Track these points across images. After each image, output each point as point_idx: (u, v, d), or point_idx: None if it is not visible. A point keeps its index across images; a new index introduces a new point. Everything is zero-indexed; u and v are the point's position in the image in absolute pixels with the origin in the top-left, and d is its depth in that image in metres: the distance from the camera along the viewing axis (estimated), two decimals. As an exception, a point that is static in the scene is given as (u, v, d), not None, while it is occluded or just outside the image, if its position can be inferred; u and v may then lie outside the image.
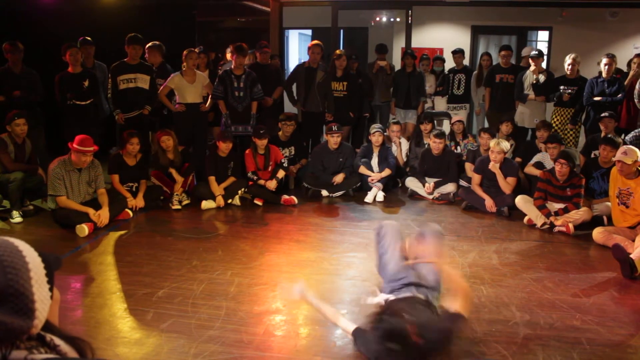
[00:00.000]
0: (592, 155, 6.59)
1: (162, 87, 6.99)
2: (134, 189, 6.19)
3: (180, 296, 3.97)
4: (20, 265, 1.12)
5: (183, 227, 5.76)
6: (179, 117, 7.03)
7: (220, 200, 6.29)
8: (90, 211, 5.45)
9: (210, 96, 7.11)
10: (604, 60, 7.33)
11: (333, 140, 6.91)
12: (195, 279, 4.29)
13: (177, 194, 6.31)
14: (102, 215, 5.50)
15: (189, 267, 4.54)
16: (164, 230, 5.61)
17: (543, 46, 10.73)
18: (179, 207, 6.25)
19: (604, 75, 7.33)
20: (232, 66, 7.09)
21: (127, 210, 5.90)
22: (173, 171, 6.39)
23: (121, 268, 4.55)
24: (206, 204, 6.27)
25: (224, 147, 6.47)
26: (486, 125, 8.47)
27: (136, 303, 3.86)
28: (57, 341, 1.18)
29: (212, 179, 6.40)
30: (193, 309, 3.77)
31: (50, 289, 1.18)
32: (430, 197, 6.79)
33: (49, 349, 1.15)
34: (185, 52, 6.96)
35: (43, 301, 1.14)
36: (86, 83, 6.73)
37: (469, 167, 6.99)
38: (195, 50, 7.27)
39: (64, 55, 6.67)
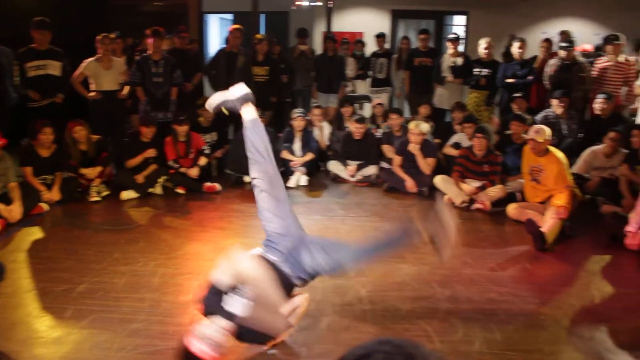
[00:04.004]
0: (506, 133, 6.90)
1: (76, 74, 6.70)
2: (48, 182, 5.92)
3: (102, 290, 3.86)
4: None
5: (102, 219, 5.58)
6: (94, 105, 6.77)
7: (140, 178, 6.15)
8: (0, 207, 5.18)
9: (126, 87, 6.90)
10: (516, 44, 7.66)
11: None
12: (117, 272, 4.18)
13: (95, 185, 6.09)
14: (14, 211, 5.23)
15: (109, 260, 4.41)
16: (83, 223, 5.41)
17: (460, 30, 11.04)
18: (98, 198, 6.04)
19: (515, 58, 7.66)
20: (150, 51, 6.90)
21: (41, 204, 5.63)
22: (85, 171, 6.11)
23: (36, 265, 4.35)
24: (126, 194, 6.10)
25: (147, 132, 6.29)
26: (406, 108, 8.67)
27: (54, 300, 3.72)
28: None
29: (131, 162, 6.22)
30: (115, 302, 3.68)
31: None
32: (353, 179, 6.89)
33: None
34: (99, 37, 6.70)
35: None
36: (-11, 69, 6.37)
37: (387, 148, 7.14)
38: (111, 35, 7.01)
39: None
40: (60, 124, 6.09)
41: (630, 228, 4.89)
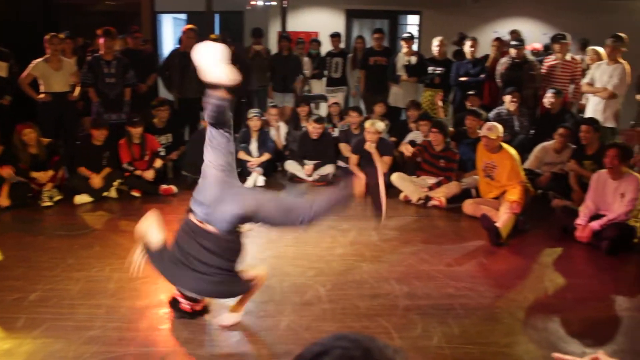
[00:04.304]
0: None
1: (23, 75, 6.51)
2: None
3: (55, 298, 3.76)
4: None
5: (55, 224, 5.44)
6: (44, 108, 6.59)
7: (96, 180, 6.01)
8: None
9: (78, 87, 6.73)
10: (468, 43, 7.82)
11: (211, 126, 6.79)
12: (71, 278, 4.07)
13: (46, 190, 5.92)
14: (-40, 218, 5.06)
15: (63, 266, 4.30)
16: (34, 229, 5.26)
17: (413, 29, 11.18)
18: (50, 203, 5.87)
19: (468, 57, 7.82)
20: (101, 51, 6.76)
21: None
22: (36, 175, 5.93)
23: (-14, 273, 4.21)
24: (80, 199, 5.95)
25: (99, 135, 6.15)
26: (362, 107, 8.73)
27: (5, 310, 3.60)
28: None
29: (83, 169, 6.07)
30: (70, 310, 3.60)
31: None
32: (310, 179, 6.91)
33: None
34: (47, 37, 6.52)
35: None
36: None
37: (343, 147, 7.18)
38: (60, 35, 6.84)
39: None
40: (8, 126, 5.91)
41: (579, 221, 5.05)
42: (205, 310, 3.44)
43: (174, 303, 3.38)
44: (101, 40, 6.73)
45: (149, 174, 6.30)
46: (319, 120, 7.04)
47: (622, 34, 6.78)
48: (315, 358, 0.87)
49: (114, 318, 3.51)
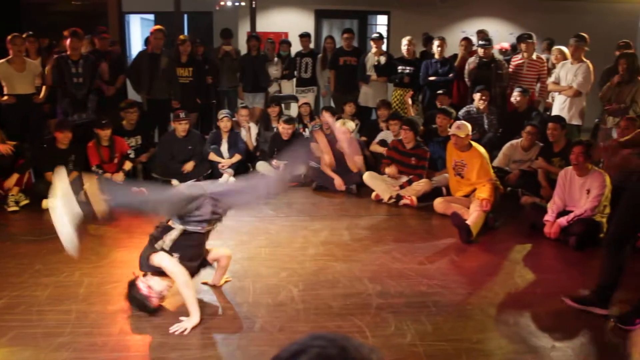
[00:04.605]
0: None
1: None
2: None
3: (23, 304, 3.68)
4: None
5: (22, 229, 5.33)
6: (8, 110, 6.45)
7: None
8: None
9: (44, 86, 6.60)
10: (436, 43, 7.90)
11: (181, 127, 6.74)
12: (40, 284, 4.00)
13: (12, 195, 5.79)
14: None
15: (31, 272, 4.21)
16: (0, 234, 5.13)
17: (383, 29, 11.25)
18: (16, 208, 5.75)
19: (436, 56, 7.89)
20: (68, 51, 6.64)
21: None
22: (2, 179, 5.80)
23: (-50, 281, 4.10)
24: (48, 203, 5.82)
25: (63, 138, 6.04)
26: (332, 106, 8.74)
27: (-29, 318, 3.52)
28: None
29: (49, 174, 5.95)
30: (39, 316, 3.52)
31: None
32: (282, 179, 6.88)
33: None
34: (9, 37, 6.38)
35: None
36: None
37: (315, 147, 7.16)
38: (23, 35, 6.70)
39: None
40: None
41: (548, 217, 5.14)
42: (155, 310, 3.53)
43: (131, 285, 3.50)
44: (67, 41, 6.62)
45: (119, 177, 6.22)
46: (289, 120, 7.03)
47: (584, 34, 6.93)
48: (292, 357, 0.87)
49: (85, 324, 3.45)
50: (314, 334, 0.93)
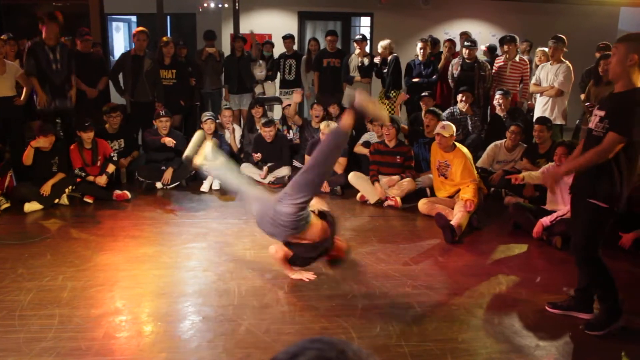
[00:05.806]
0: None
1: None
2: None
3: (5, 310, 3.63)
4: None
5: (4, 233, 5.23)
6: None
7: (45, 187, 5.85)
8: None
9: (25, 89, 6.51)
10: (419, 45, 7.93)
11: (162, 125, 6.68)
12: (22, 288, 3.94)
13: (-7, 198, 5.73)
14: None
15: (13, 276, 4.15)
16: (-19, 238, 5.07)
17: (366, 31, 11.28)
18: (-3, 211, 5.69)
19: (420, 58, 7.93)
20: (44, 36, 6.46)
21: None
22: None
23: None
24: (29, 207, 5.76)
25: (45, 142, 5.96)
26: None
27: (-48, 323, 3.47)
28: None
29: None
30: (21, 321, 3.48)
31: None
32: (266, 181, 6.88)
33: None
34: (-13, 40, 6.29)
35: None
36: None
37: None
38: (2, 37, 6.61)
39: None
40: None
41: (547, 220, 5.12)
42: None
43: None
44: (44, 27, 6.43)
45: (102, 180, 6.17)
46: (268, 123, 7.02)
47: (562, 36, 7.02)
48: (290, 359, 0.88)
49: (68, 328, 3.41)
50: (312, 337, 0.94)
